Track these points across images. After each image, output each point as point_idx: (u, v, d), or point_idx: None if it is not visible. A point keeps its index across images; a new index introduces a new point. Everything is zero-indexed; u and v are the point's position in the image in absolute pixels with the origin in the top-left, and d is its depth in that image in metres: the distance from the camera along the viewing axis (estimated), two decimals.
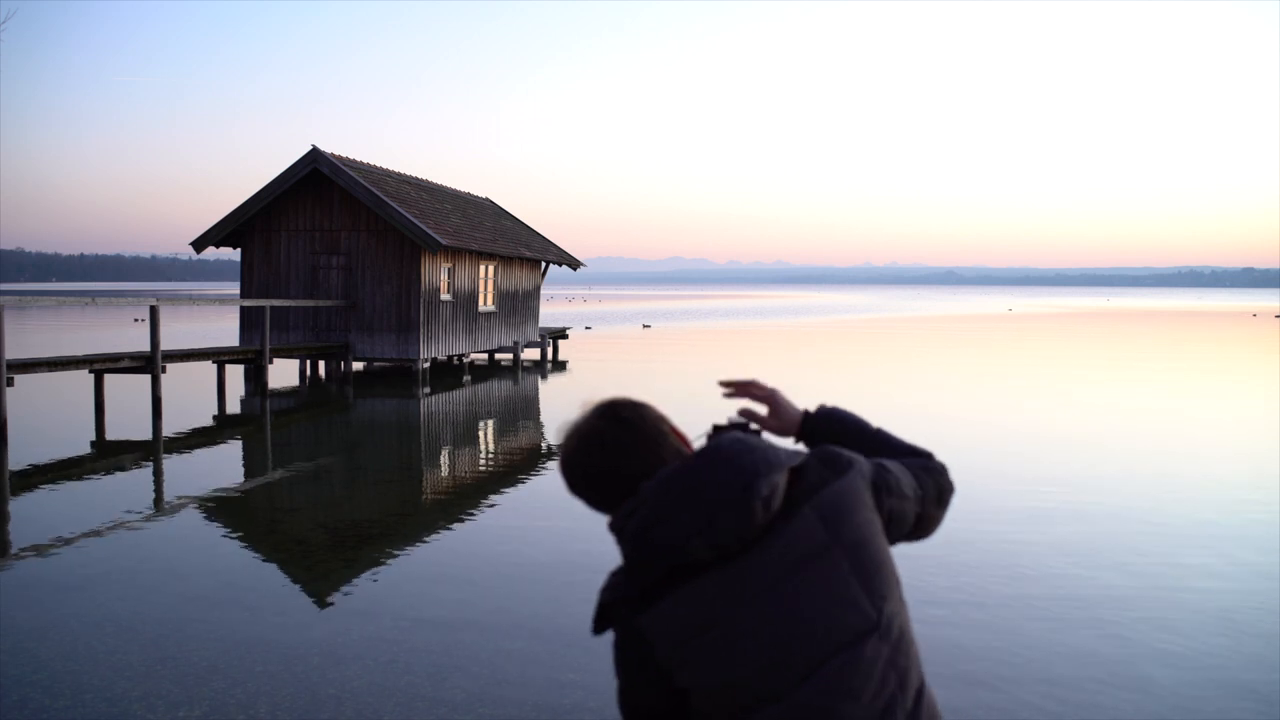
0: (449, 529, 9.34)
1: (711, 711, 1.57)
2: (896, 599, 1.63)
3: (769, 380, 1.94)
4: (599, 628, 1.63)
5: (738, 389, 1.93)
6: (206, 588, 7.28)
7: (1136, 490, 11.12)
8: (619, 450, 1.66)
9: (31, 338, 35.63)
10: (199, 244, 24.83)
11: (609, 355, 32.24)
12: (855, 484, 1.66)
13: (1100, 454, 13.38)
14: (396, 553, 8.46)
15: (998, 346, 38.22)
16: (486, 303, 28.05)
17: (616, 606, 1.61)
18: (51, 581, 7.43)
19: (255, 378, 21.13)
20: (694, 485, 1.56)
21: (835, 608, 1.56)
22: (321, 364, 25.22)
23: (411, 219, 23.34)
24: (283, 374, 24.32)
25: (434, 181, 29.56)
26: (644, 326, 51.85)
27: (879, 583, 1.61)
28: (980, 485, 10.89)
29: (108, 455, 13.50)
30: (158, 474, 12.35)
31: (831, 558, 1.58)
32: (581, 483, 1.70)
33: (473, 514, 10.01)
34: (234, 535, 9.14)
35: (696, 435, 1.79)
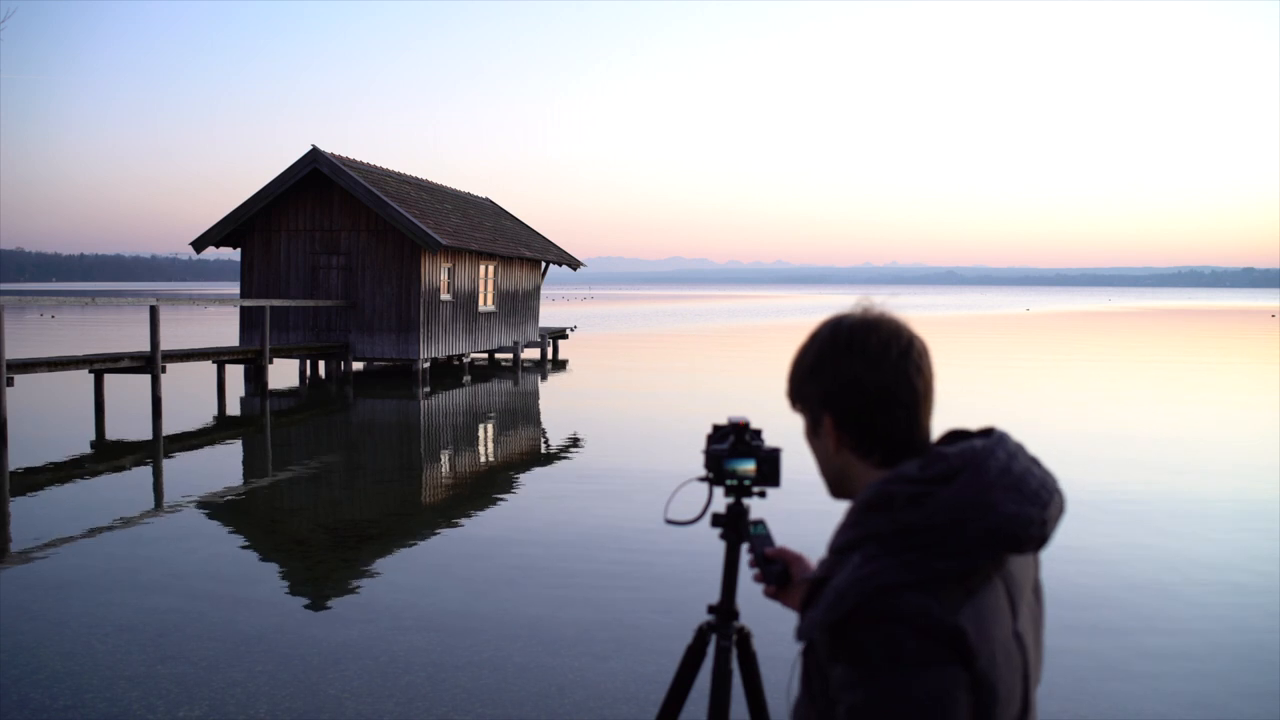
0: (449, 529, 9.34)
1: None
2: None
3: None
4: (856, 614, 1.26)
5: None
6: (207, 587, 7.28)
7: None
8: (919, 363, 1.43)
9: (31, 337, 35.62)
10: (199, 244, 24.84)
11: (606, 354, 32.23)
12: None
13: None
14: (396, 553, 8.46)
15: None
16: (486, 303, 28.05)
17: (914, 598, 1.25)
18: (52, 581, 7.43)
19: (255, 378, 21.13)
20: (1019, 474, 1.34)
21: (1038, 658, 1.41)
22: (321, 364, 25.22)
23: (411, 219, 23.34)
24: (283, 374, 24.31)
25: (434, 181, 29.56)
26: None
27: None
28: None
29: (108, 455, 13.50)
30: (158, 474, 12.35)
31: (1039, 602, 1.45)
32: (855, 356, 1.42)
33: (472, 514, 10.01)
34: (234, 535, 9.14)
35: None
